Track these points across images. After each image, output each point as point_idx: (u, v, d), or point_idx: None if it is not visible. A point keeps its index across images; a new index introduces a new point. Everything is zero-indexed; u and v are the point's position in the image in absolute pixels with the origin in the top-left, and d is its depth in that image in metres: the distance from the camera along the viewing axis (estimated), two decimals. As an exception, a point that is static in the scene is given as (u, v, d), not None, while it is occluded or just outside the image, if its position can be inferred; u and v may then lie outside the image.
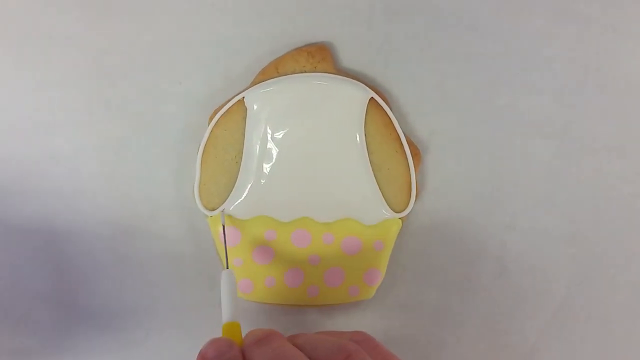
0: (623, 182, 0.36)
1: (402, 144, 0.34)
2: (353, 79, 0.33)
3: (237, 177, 0.33)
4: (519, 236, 0.36)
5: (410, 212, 0.34)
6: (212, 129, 0.33)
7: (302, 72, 0.33)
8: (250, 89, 0.33)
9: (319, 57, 0.33)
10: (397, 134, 0.34)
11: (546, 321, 0.36)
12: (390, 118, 0.33)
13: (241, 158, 0.33)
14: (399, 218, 0.34)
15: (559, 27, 0.34)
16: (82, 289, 0.35)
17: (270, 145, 0.33)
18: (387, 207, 0.34)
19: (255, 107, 0.33)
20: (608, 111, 0.35)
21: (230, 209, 0.33)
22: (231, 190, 0.34)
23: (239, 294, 0.34)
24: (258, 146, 0.33)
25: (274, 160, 0.33)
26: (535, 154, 0.35)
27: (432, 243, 0.36)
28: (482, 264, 0.36)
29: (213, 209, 0.34)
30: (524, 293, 0.36)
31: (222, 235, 0.33)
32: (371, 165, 0.33)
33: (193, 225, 0.35)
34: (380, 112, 0.33)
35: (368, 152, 0.33)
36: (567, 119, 0.35)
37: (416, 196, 0.34)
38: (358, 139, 0.33)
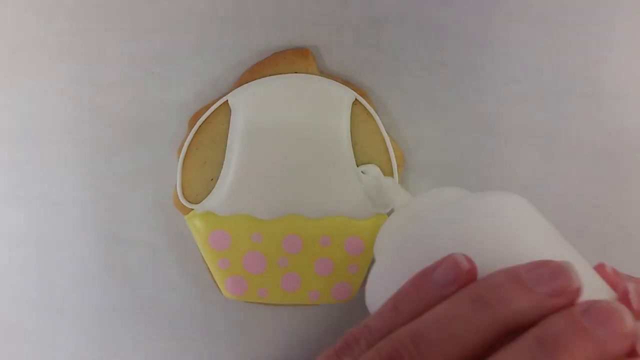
0: (610, 189, 0.36)
1: (386, 144, 0.34)
2: (338, 81, 0.34)
3: (219, 178, 0.34)
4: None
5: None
6: (196, 131, 0.34)
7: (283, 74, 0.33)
8: (233, 91, 0.33)
9: (300, 60, 0.33)
10: (382, 135, 0.34)
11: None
12: (374, 118, 0.34)
13: (223, 159, 0.34)
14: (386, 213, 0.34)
15: (545, 35, 0.35)
16: (71, 296, 0.35)
17: (253, 145, 0.33)
18: (371, 204, 0.34)
19: (238, 108, 0.33)
20: (594, 119, 0.35)
21: (211, 206, 0.33)
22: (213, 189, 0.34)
23: (227, 295, 0.34)
24: (241, 147, 0.33)
25: (257, 159, 0.33)
26: (521, 161, 0.35)
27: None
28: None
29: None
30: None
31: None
32: (355, 165, 0.34)
33: (181, 232, 0.35)
34: (365, 114, 0.34)
35: (354, 152, 0.34)
36: (553, 127, 0.35)
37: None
38: (343, 139, 0.33)
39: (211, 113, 0.34)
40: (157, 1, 0.34)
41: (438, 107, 0.35)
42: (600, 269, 0.22)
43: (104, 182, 0.35)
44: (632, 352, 0.18)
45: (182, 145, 0.34)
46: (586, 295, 0.19)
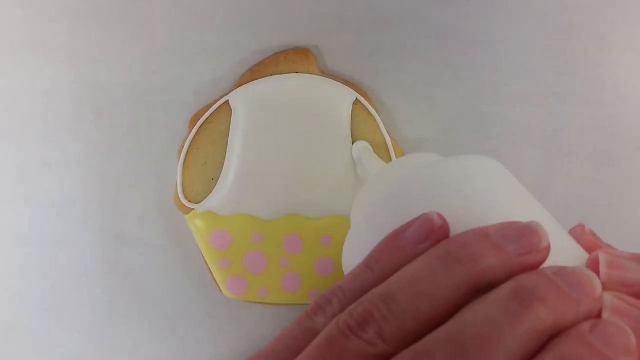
0: (610, 189, 0.36)
1: (386, 144, 0.34)
2: (339, 81, 0.34)
3: (220, 177, 0.34)
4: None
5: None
6: (197, 131, 0.34)
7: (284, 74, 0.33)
8: (234, 91, 0.33)
9: (301, 60, 0.33)
10: (382, 135, 0.34)
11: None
12: (374, 118, 0.34)
13: (224, 159, 0.34)
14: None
15: (546, 35, 0.35)
16: (71, 296, 0.35)
17: (254, 145, 0.33)
18: None
19: (239, 108, 0.33)
20: (594, 119, 0.35)
21: (212, 206, 0.33)
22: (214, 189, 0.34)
23: (228, 294, 0.34)
24: (242, 147, 0.33)
25: (258, 159, 0.33)
26: (521, 161, 0.35)
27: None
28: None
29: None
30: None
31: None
32: (355, 164, 0.34)
33: (182, 232, 0.35)
34: (366, 114, 0.34)
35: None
36: (553, 127, 0.35)
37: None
38: (343, 139, 0.33)
39: (212, 113, 0.34)
40: (157, 1, 0.34)
41: (438, 107, 0.35)
42: (578, 229, 0.23)
43: (105, 182, 0.35)
44: (599, 315, 0.18)
45: (182, 145, 0.34)
46: (556, 256, 0.19)
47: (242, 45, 0.34)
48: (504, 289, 0.18)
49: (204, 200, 0.33)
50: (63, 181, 0.35)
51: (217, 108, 0.34)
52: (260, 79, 0.33)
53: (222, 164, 0.34)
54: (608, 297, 0.18)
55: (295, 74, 0.33)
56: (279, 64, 0.34)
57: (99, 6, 0.34)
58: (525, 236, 0.19)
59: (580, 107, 0.35)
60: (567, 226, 0.23)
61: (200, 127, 0.34)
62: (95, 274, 0.35)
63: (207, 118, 0.34)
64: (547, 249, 0.19)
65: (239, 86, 0.33)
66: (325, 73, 0.34)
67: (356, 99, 0.33)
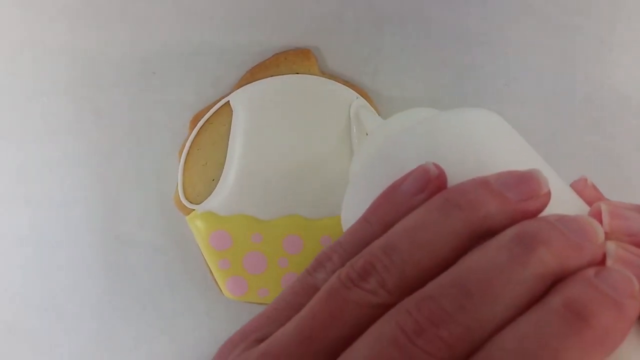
0: (610, 190, 0.36)
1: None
2: (339, 82, 0.34)
3: (220, 178, 0.34)
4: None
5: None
6: (197, 131, 0.34)
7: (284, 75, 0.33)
8: (235, 91, 0.33)
9: (301, 60, 0.33)
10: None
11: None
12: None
13: (224, 160, 0.34)
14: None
15: (546, 35, 0.35)
16: (71, 296, 0.35)
17: (254, 146, 0.33)
18: None
19: (240, 109, 0.33)
20: (595, 119, 0.35)
21: (212, 206, 0.33)
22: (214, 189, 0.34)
23: (228, 295, 0.34)
24: (242, 148, 0.33)
25: (258, 160, 0.33)
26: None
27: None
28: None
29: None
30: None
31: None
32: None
33: (182, 232, 0.35)
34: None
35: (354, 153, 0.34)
36: (553, 127, 0.35)
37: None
38: (344, 139, 0.33)
39: (212, 114, 0.34)
40: (157, 1, 0.34)
41: (438, 107, 0.35)
42: (581, 183, 0.23)
43: (105, 182, 0.35)
44: (602, 263, 0.18)
45: (183, 146, 0.34)
46: (556, 207, 0.19)
47: (242, 46, 0.34)
48: (507, 234, 0.17)
49: (205, 201, 0.33)
50: (63, 181, 0.35)
51: (218, 109, 0.33)
52: (261, 80, 0.33)
53: (223, 164, 0.34)
54: (612, 245, 0.18)
55: (296, 74, 0.33)
56: (280, 65, 0.34)
57: (99, 6, 0.34)
58: (524, 182, 0.19)
59: (580, 107, 0.35)
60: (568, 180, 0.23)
61: (201, 127, 0.34)
62: (95, 274, 0.35)
63: (208, 119, 0.34)
64: (548, 195, 0.19)
65: (240, 87, 0.33)
66: (326, 74, 0.34)
67: (356, 99, 0.33)
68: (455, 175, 0.20)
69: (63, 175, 0.35)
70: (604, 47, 0.35)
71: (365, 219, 0.20)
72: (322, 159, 0.33)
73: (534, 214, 0.19)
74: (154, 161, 0.35)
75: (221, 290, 0.34)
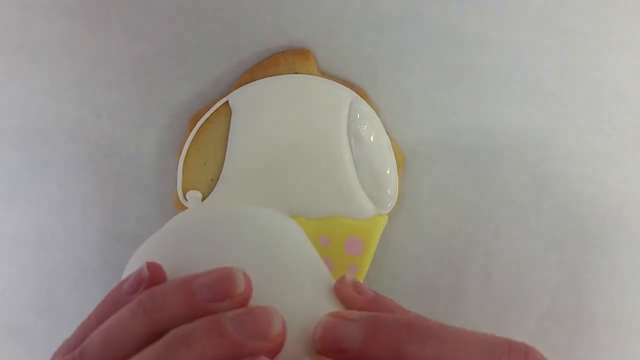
0: (609, 189, 0.36)
1: (387, 144, 0.34)
2: (338, 82, 0.34)
3: (219, 178, 0.34)
4: (504, 243, 0.36)
5: (395, 218, 0.34)
6: (196, 131, 0.34)
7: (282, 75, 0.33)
8: (234, 91, 0.33)
9: (300, 60, 0.34)
10: (383, 135, 0.34)
11: (532, 328, 0.36)
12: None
13: (224, 160, 0.34)
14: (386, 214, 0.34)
15: (546, 36, 0.35)
16: (71, 296, 0.36)
17: (253, 146, 0.33)
18: (371, 204, 0.34)
19: (239, 109, 0.33)
20: (595, 119, 0.35)
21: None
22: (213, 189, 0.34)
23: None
24: (242, 148, 0.33)
25: (257, 160, 0.33)
26: (521, 161, 0.35)
27: (418, 250, 0.36)
28: (468, 271, 0.36)
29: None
30: (510, 300, 0.36)
31: None
32: (355, 165, 0.34)
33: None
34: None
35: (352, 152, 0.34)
36: (553, 127, 0.35)
37: (400, 198, 0.34)
38: (342, 139, 0.33)
39: (212, 113, 0.34)
40: (157, 1, 0.34)
41: (438, 107, 0.35)
42: (339, 282, 0.23)
43: (105, 182, 0.35)
44: (273, 352, 0.19)
45: (182, 146, 0.34)
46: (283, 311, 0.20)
47: (241, 46, 0.34)
48: (169, 334, 0.19)
49: (204, 201, 0.33)
50: (63, 181, 0.35)
51: (217, 109, 0.34)
52: (260, 80, 0.33)
53: (222, 164, 0.34)
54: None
55: (295, 74, 0.33)
56: (279, 65, 0.34)
57: (98, 7, 0.34)
58: (221, 283, 0.20)
59: (580, 107, 0.35)
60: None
61: (200, 127, 0.34)
62: (95, 274, 0.35)
63: (207, 118, 0.34)
64: (242, 296, 0.20)
65: (239, 87, 0.33)
66: (325, 73, 0.34)
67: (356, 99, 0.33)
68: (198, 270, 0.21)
69: (63, 175, 0.35)
70: (604, 47, 0.35)
71: (88, 316, 0.23)
72: (321, 158, 0.33)
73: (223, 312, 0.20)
74: (153, 161, 0.35)
75: (220, 290, 0.34)
